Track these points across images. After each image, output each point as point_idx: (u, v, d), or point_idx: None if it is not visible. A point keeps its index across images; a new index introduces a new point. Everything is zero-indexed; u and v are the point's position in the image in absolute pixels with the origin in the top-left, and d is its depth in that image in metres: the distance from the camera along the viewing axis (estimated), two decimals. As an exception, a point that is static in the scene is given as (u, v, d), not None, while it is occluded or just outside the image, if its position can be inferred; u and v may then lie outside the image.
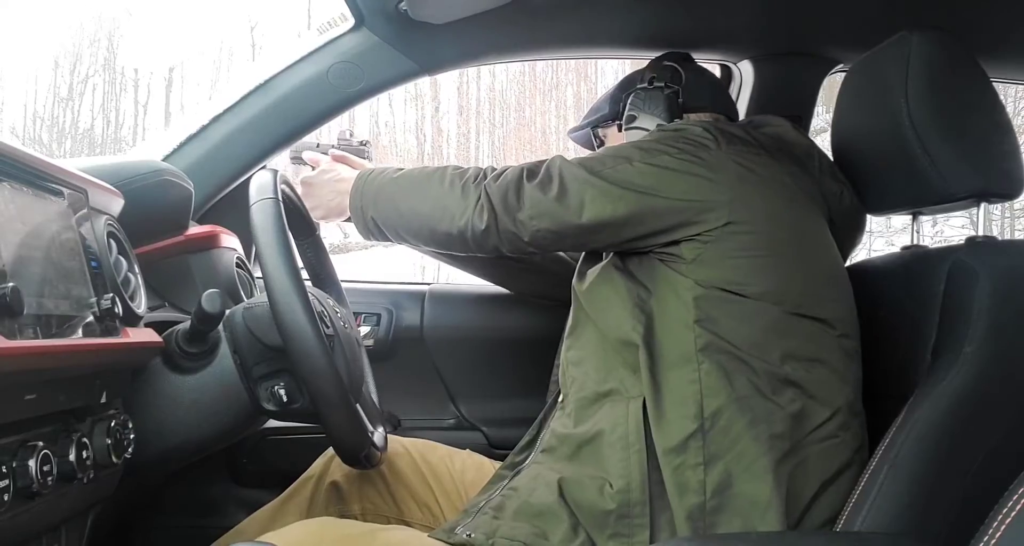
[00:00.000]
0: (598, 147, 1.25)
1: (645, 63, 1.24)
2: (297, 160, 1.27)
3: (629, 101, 1.16)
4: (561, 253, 1.30)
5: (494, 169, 1.02)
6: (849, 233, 1.07)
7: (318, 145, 1.27)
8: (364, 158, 1.24)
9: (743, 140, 0.98)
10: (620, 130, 1.17)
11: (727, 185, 0.93)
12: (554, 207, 0.96)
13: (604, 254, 1.02)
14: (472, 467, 1.17)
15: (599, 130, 1.25)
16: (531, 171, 0.99)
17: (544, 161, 1.00)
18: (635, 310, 0.95)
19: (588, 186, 0.95)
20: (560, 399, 1.03)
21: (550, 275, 1.31)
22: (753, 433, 0.88)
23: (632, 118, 1.15)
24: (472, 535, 0.90)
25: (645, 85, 1.16)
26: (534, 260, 1.30)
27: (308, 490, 1.13)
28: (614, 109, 1.20)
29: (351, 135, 1.27)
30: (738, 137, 0.98)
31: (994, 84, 0.98)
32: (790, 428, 0.89)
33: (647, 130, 1.11)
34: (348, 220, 1.13)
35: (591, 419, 0.95)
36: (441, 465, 1.16)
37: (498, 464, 1.14)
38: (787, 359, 0.91)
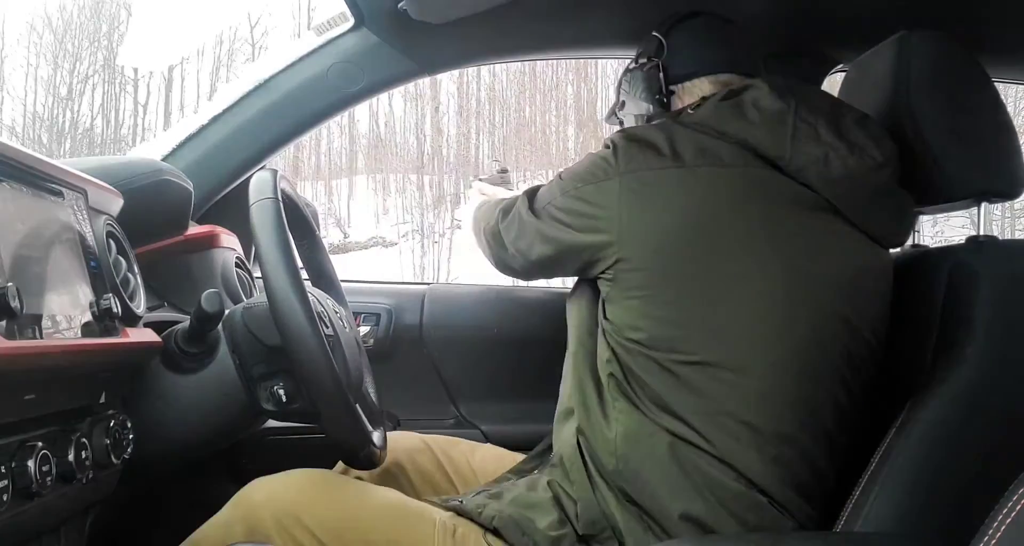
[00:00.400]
0: None
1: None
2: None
3: (621, 87, 1.13)
4: None
5: (508, 203, 1.05)
6: (859, 202, 0.89)
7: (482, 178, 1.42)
8: (502, 184, 1.37)
9: (655, 151, 0.89)
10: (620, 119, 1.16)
11: (615, 219, 0.89)
12: (518, 247, 1.01)
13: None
14: (493, 459, 1.17)
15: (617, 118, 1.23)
16: (504, 211, 1.03)
17: (516, 199, 1.03)
18: (585, 336, 0.96)
19: (529, 227, 0.98)
20: None
21: None
22: (659, 479, 0.86)
23: (623, 105, 1.13)
24: (463, 502, 0.92)
25: (633, 65, 1.12)
26: None
27: None
28: (617, 96, 1.17)
29: (497, 165, 1.42)
30: (650, 148, 0.89)
31: (995, 84, 0.98)
32: (699, 480, 0.85)
33: (639, 115, 1.10)
34: None
35: (560, 438, 0.96)
36: (462, 459, 1.16)
37: (518, 455, 1.15)
38: (689, 414, 0.85)
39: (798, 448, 0.87)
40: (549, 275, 1.05)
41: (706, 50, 1.06)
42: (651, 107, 1.07)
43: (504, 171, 1.41)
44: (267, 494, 0.88)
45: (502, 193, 1.26)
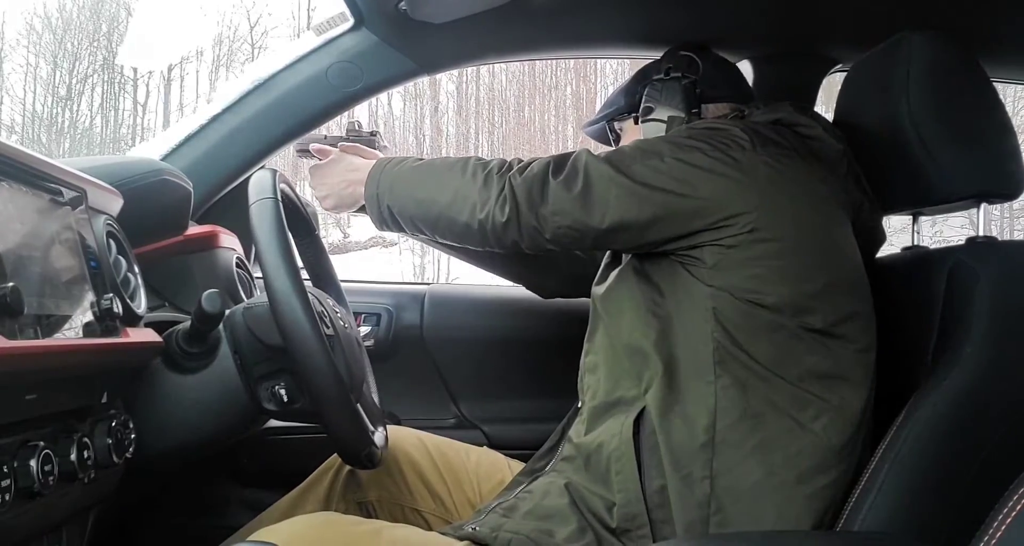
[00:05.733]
0: (614, 141, 1.23)
1: (643, 63, 1.23)
2: (304, 153, 1.23)
3: (646, 92, 1.13)
4: (578, 253, 1.27)
5: (520, 161, 0.98)
6: (865, 245, 1.01)
7: (325, 137, 1.23)
8: (375, 148, 1.20)
9: (777, 143, 0.94)
10: (636, 123, 1.15)
11: (757, 189, 0.90)
12: (577, 205, 0.91)
13: (624, 257, 1.01)
14: (487, 463, 1.17)
15: (615, 124, 1.22)
16: (557, 165, 0.94)
17: (570, 154, 0.95)
18: (648, 316, 0.93)
19: (613, 185, 0.91)
20: (579, 406, 1.03)
21: (564, 274, 1.29)
22: (764, 452, 0.86)
23: (649, 110, 1.12)
24: (477, 529, 0.90)
25: (662, 76, 1.13)
26: (548, 258, 1.27)
27: (328, 479, 1.14)
28: (629, 101, 1.17)
29: (360, 126, 1.23)
30: (772, 140, 0.94)
31: (994, 84, 0.98)
32: (805, 448, 0.87)
33: (664, 121, 1.10)
34: (359, 210, 1.10)
35: (597, 429, 0.95)
36: (457, 459, 1.16)
37: (514, 462, 1.15)
38: (807, 376, 0.88)
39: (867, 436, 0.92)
40: (602, 243, 0.96)
41: (733, 81, 1.17)
42: (684, 116, 1.10)
43: (374, 133, 1.22)
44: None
45: (383, 155, 1.16)
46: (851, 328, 0.91)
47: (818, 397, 0.88)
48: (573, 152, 0.96)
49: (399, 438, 1.16)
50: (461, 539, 0.90)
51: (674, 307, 0.92)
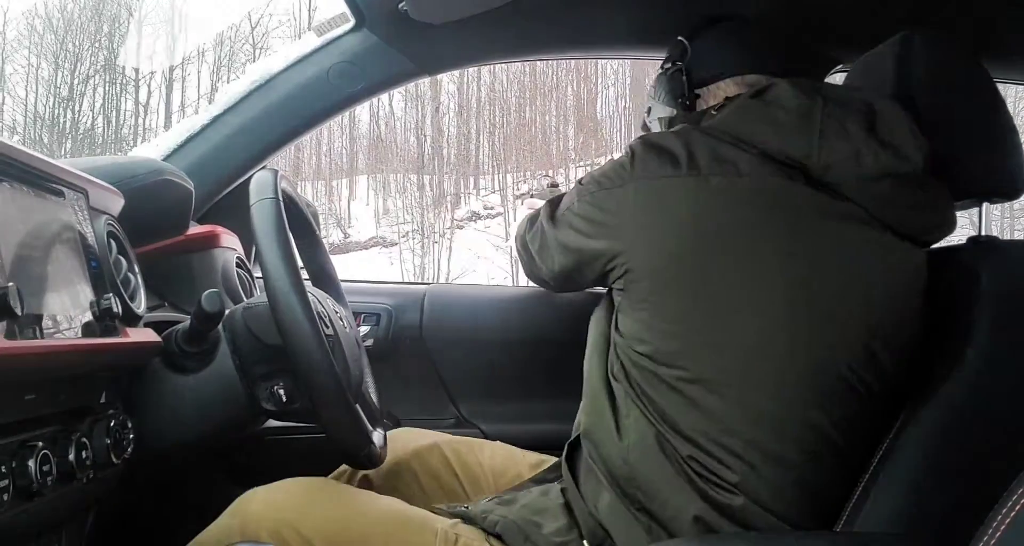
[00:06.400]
0: None
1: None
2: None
3: (650, 91, 1.14)
4: None
5: (534, 213, 1.05)
6: (894, 201, 0.84)
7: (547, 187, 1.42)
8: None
9: (672, 159, 0.85)
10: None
11: (627, 226, 0.87)
12: (540, 260, 1.01)
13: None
14: (501, 456, 1.17)
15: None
16: (531, 221, 1.03)
17: (539, 211, 1.03)
18: (597, 348, 0.95)
19: (550, 237, 0.98)
20: None
21: None
22: (671, 485, 0.85)
23: (650, 110, 1.13)
24: (469, 508, 0.93)
25: (660, 70, 1.12)
26: None
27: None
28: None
29: (546, 176, 1.41)
30: (666, 155, 0.86)
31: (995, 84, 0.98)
32: (709, 498, 0.83)
33: (663, 119, 1.09)
34: None
35: (580, 448, 0.96)
36: (471, 455, 1.17)
37: (528, 453, 1.16)
38: (693, 431, 0.84)
39: (812, 468, 0.84)
40: (574, 287, 1.03)
41: (729, 52, 1.06)
42: (675, 111, 1.07)
43: (554, 185, 1.41)
44: (264, 504, 0.88)
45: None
46: (750, 379, 0.82)
47: (706, 453, 0.83)
48: (548, 200, 1.03)
49: (410, 439, 1.17)
50: (452, 516, 0.92)
51: (614, 342, 0.94)
